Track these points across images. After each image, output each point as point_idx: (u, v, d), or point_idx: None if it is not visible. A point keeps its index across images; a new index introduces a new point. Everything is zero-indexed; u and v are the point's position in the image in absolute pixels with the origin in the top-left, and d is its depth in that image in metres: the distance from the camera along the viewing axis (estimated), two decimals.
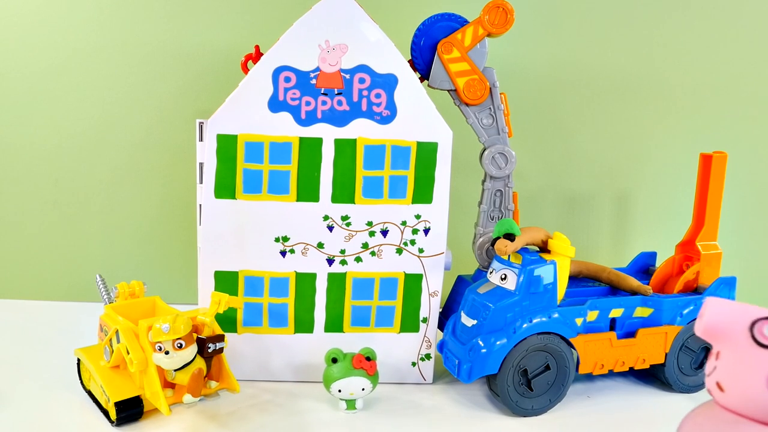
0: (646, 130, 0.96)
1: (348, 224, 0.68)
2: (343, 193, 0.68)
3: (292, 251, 0.68)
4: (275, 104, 0.65)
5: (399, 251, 0.70)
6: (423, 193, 0.68)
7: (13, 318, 0.88)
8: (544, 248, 0.69)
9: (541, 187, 0.96)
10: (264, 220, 0.67)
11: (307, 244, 0.68)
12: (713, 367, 0.39)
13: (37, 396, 0.66)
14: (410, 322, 0.71)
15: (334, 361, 0.64)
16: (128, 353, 0.60)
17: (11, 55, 0.89)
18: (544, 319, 0.65)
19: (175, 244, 0.94)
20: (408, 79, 0.66)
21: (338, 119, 0.66)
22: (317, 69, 0.65)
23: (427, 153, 0.67)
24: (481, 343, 0.64)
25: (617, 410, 0.68)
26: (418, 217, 0.69)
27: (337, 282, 0.70)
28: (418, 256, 0.70)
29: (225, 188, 0.66)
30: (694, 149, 0.83)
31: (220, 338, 0.63)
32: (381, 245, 0.69)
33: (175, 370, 0.60)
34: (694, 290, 0.74)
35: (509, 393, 0.65)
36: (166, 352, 0.59)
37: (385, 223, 0.69)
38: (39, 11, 0.88)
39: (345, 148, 0.67)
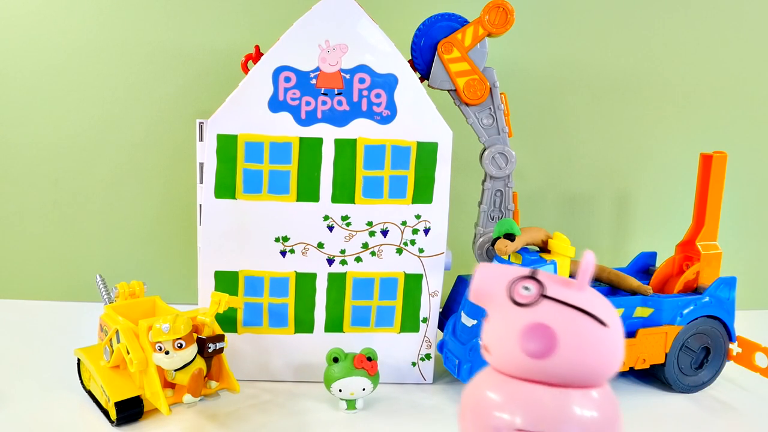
0: (646, 130, 0.96)
1: (348, 224, 0.68)
2: (343, 193, 0.68)
3: (292, 251, 0.68)
4: (275, 104, 0.65)
5: (399, 251, 0.70)
6: (423, 193, 0.68)
7: (13, 318, 0.88)
8: (544, 248, 0.69)
9: (541, 187, 0.96)
10: (264, 220, 0.67)
11: (307, 244, 0.68)
12: (484, 331, 0.40)
13: (37, 396, 0.66)
14: (410, 322, 0.71)
15: (336, 360, 0.64)
16: (128, 353, 0.60)
17: (11, 55, 0.89)
18: None
19: (175, 244, 0.94)
20: (408, 79, 0.66)
21: (338, 119, 0.66)
22: (317, 69, 0.65)
23: (427, 153, 0.67)
24: None
25: None
26: (418, 217, 0.69)
27: (337, 282, 0.70)
28: (418, 256, 0.70)
29: (225, 188, 0.66)
30: (694, 149, 0.83)
31: (220, 338, 0.63)
32: (381, 245, 0.69)
33: (175, 370, 0.60)
34: (694, 290, 0.74)
35: None
36: (166, 352, 0.59)
37: (385, 223, 0.69)
38: (39, 11, 0.88)
39: (345, 148, 0.67)
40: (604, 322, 0.37)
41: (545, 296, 0.38)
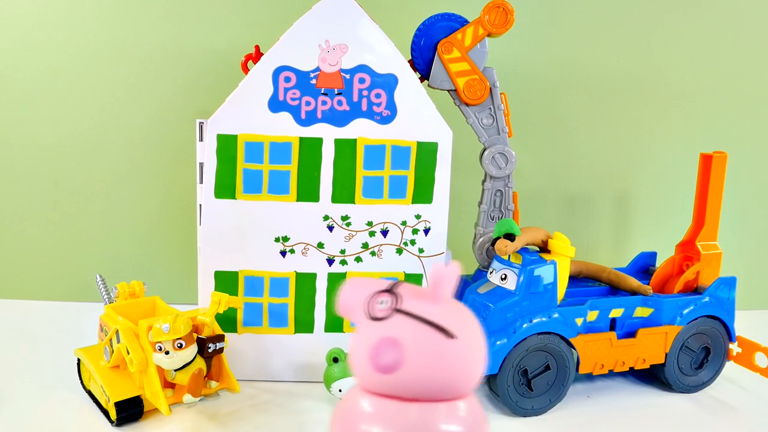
0: (646, 130, 0.96)
1: (348, 224, 0.68)
2: (343, 193, 0.68)
3: (292, 251, 0.68)
4: (275, 104, 0.65)
5: (399, 251, 0.70)
6: (423, 193, 0.68)
7: (13, 318, 0.88)
8: (544, 248, 0.70)
9: (541, 187, 0.96)
10: (264, 220, 0.67)
11: (307, 244, 0.68)
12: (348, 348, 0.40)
13: (37, 396, 0.66)
14: None
15: (335, 360, 0.64)
16: (128, 353, 0.60)
17: (11, 55, 0.89)
18: (544, 319, 0.65)
19: (175, 244, 0.94)
20: (408, 79, 0.66)
21: (338, 119, 0.66)
22: (317, 69, 0.65)
23: (427, 153, 0.68)
24: None
25: (617, 410, 0.68)
26: (418, 217, 0.69)
27: (337, 282, 0.70)
28: (418, 256, 0.70)
29: (225, 188, 0.66)
30: (694, 149, 0.83)
31: (220, 338, 0.63)
32: (381, 245, 0.69)
33: (175, 370, 0.60)
34: (694, 290, 0.74)
35: (509, 393, 0.65)
36: (166, 352, 0.59)
37: (385, 223, 0.69)
38: (39, 11, 0.88)
39: (345, 148, 0.67)
40: (450, 333, 0.36)
41: (398, 310, 0.37)
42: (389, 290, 0.38)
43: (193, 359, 0.61)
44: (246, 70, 0.72)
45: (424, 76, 0.72)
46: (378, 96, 0.66)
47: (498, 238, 0.67)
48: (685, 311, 0.70)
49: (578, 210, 0.98)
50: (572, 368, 0.67)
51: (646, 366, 0.70)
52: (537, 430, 0.64)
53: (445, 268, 0.37)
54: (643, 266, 0.82)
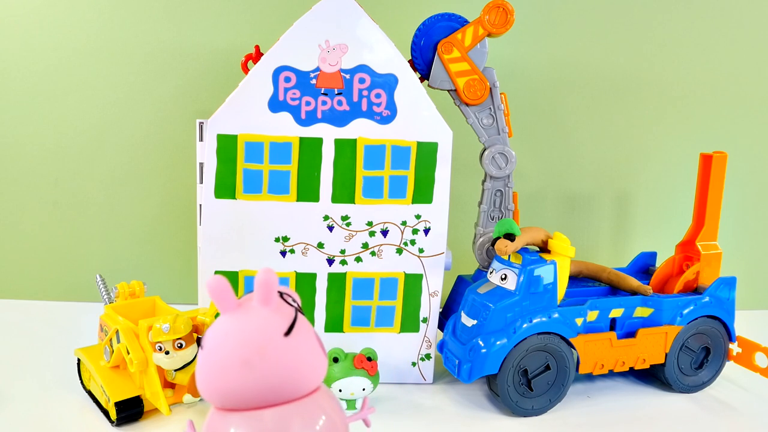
0: (646, 130, 0.96)
1: (348, 224, 0.68)
2: (343, 193, 0.68)
3: (292, 251, 0.68)
4: (275, 104, 0.65)
5: (399, 251, 0.70)
6: (423, 193, 0.68)
7: (13, 318, 0.88)
8: (544, 248, 0.70)
9: (541, 187, 0.96)
10: (264, 220, 0.67)
11: (307, 244, 0.68)
12: None
13: (37, 396, 0.66)
14: (410, 322, 0.71)
15: (336, 360, 0.64)
16: (128, 353, 0.60)
17: (11, 55, 0.89)
18: (544, 319, 0.65)
19: (175, 244, 0.94)
20: (408, 79, 0.66)
21: (338, 119, 0.66)
22: (317, 69, 0.65)
23: (427, 153, 0.68)
24: (481, 343, 0.64)
25: (617, 410, 0.68)
26: (418, 217, 0.69)
27: (337, 282, 0.70)
28: (418, 256, 0.70)
29: (225, 188, 0.66)
30: (694, 149, 0.84)
31: None
32: (381, 245, 0.69)
33: (175, 370, 0.61)
34: (694, 290, 0.74)
35: (509, 393, 0.65)
36: (167, 352, 0.59)
37: (385, 223, 0.69)
38: (39, 11, 0.88)
39: (345, 148, 0.67)
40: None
41: None
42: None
43: (193, 359, 0.61)
44: (246, 70, 0.72)
45: (424, 76, 0.72)
46: (378, 96, 0.66)
47: (498, 238, 0.67)
48: (685, 311, 0.70)
49: (578, 210, 0.98)
50: (572, 368, 0.67)
51: (646, 366, 0.70)
52: (537, 430, 0.64)
53: (262, 274, 0.38)
54: (643, 266, 0.82)
